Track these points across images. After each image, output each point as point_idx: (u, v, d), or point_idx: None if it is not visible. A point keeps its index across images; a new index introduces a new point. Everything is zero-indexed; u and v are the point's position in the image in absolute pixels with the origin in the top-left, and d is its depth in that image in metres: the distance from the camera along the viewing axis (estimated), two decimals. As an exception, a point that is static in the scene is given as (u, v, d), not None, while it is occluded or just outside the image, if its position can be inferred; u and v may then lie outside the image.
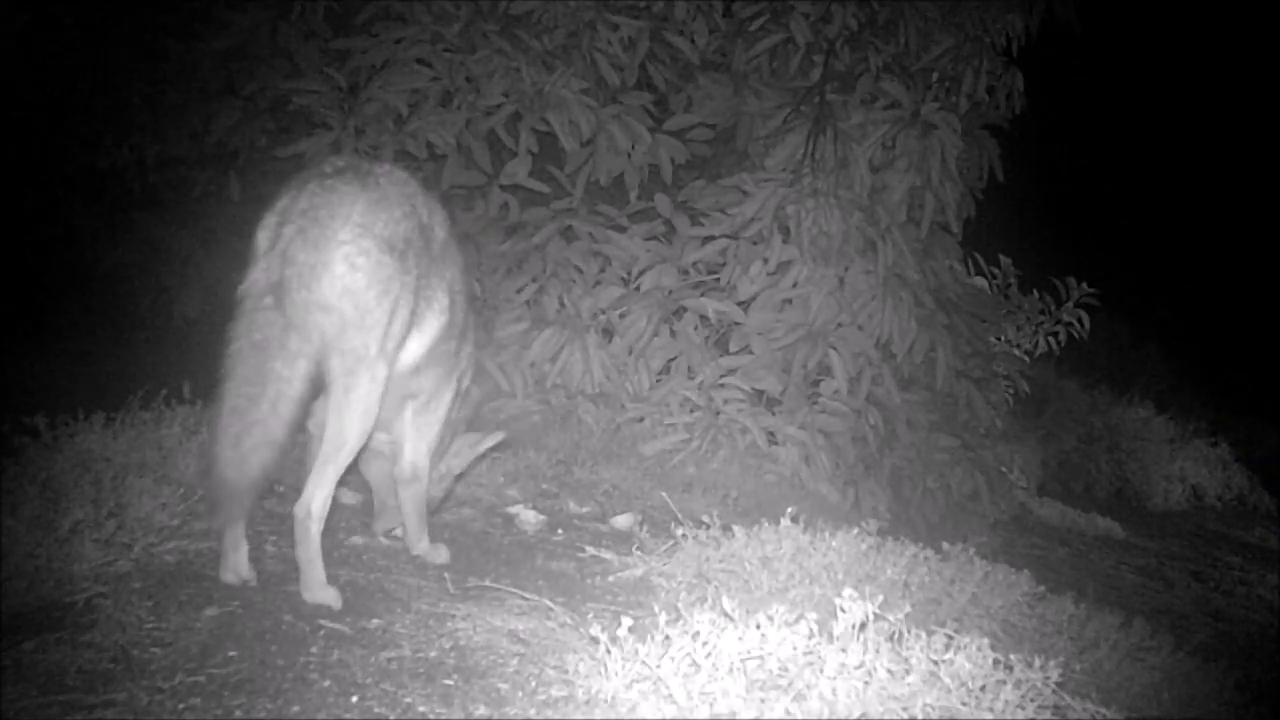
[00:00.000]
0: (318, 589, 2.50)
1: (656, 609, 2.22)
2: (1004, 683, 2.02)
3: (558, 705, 2.11)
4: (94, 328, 6.59)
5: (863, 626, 2.07)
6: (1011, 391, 6.01)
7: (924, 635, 2.11)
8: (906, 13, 4.92)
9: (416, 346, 2.68)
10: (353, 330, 2.44)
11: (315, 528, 2.49)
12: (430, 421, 2.92)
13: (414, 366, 2.71)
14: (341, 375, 2.47)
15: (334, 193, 2.46)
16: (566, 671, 2.22)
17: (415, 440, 2.91)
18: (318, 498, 2.50)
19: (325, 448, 2.52)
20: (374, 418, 2.57)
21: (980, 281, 6.99)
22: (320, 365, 2.46)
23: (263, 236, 2.48)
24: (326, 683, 2.12)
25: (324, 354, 2.45)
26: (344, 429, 2.51)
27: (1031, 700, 2.04)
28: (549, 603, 2.66)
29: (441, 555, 2.96)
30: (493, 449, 3.90)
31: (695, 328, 4.85)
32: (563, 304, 4.81)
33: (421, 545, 2.96)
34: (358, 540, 3.03)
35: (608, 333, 4.84)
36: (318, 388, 2.52)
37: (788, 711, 1.91)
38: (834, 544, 2.88)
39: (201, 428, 3.29)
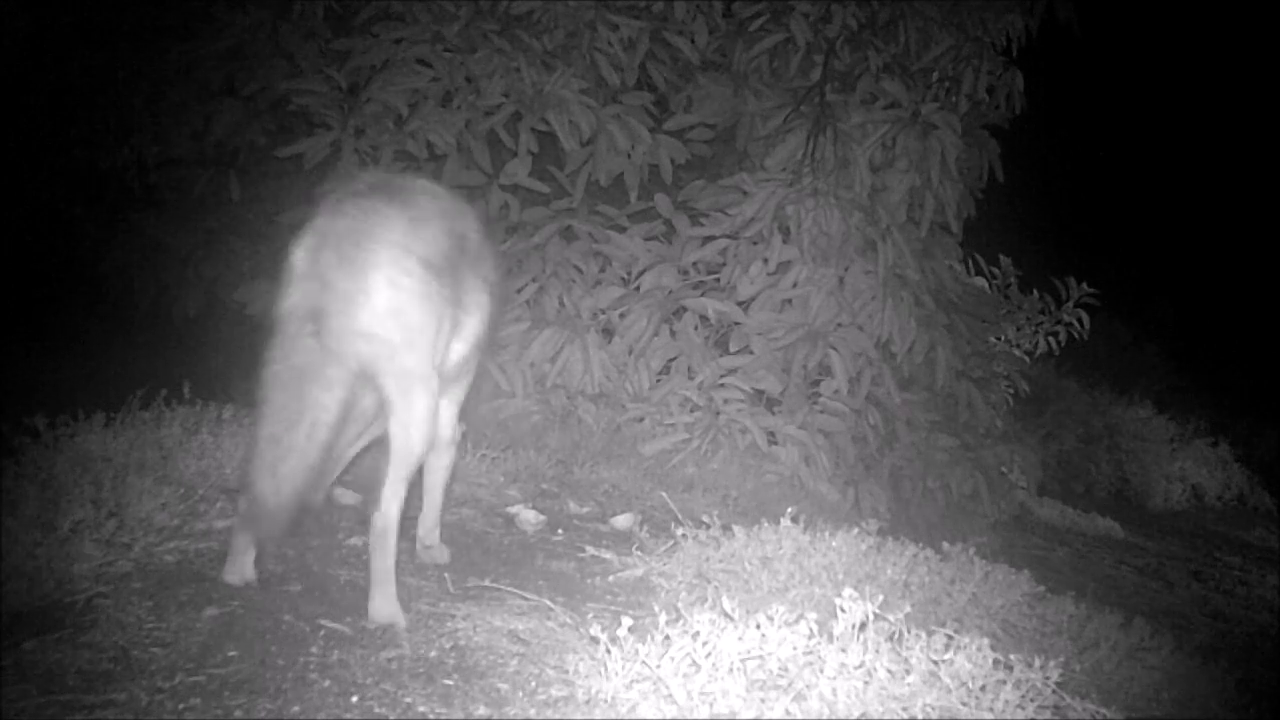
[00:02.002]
0: (389, 606, 2.45)
1: (656, 609, 2.22)
2: (1004, 683, 2.02)
3: (558, 705, 2.11)
4: (94, 328, 6.58)
5: (863, 626, 2.07)
6: (1011, 391, 6.02)
7: (924, 635, 2.10)
8: (906, 13, 4.92)
9: (459, 349, 2.70)
10: (403, 352, 2.43)
11: (393, 540, 2.47)
12: (459, 396, 2.95)
13: (457, 364, 2.75)
14: (400, 395, 2.46)
15: (373, 214, 2.44)
16: (566, 671, 2.21)
17: (448, 410, 2.90)
18: (394, 508, 2.48)
19: (395, 460, 2.51)
20: (435, 420, 2.58)
21: (980, 281, 7.01)
22: (357, 392, 2.45)
23: (301, 258, 2.44)
24: (326, 683, 2.12)
25: (369, 378, 2.44)
26: (411, 439, 2.50)
27: (1031, 700, 2.04)
28: (549, 603, 2.65)
29: (442, 555, 2.96)
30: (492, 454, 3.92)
31: (695, 328, 4.85)
32: (563, 304, 4.81)
33: (434, 535, 2.96)
34: (357, 541, 3.03)
35: (608, 333, 4.83)
36: (376, 410, 2.53)
37: (788, 711, 1.91)
38: (834, 544, 2.88)
39: (202, 427, 3.30)
